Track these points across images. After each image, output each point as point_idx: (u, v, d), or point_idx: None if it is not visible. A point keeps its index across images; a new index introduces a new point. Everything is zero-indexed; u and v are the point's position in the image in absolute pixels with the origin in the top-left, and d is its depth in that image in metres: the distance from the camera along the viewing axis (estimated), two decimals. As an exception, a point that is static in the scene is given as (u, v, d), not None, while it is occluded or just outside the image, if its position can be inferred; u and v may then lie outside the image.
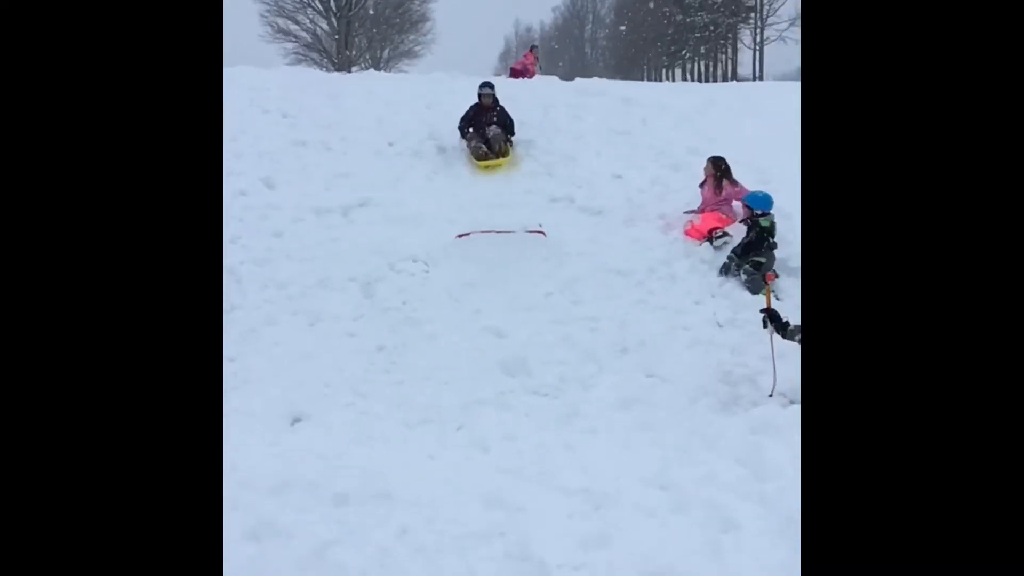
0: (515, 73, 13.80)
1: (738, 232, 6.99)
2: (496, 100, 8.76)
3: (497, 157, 8.36)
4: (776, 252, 6.68)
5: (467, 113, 8.68)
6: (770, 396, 4.72)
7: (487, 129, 8.49)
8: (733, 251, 6.63)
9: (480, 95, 8.75)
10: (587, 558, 2.80)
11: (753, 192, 6.98)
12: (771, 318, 4.83)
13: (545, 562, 2.77)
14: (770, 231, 6.66)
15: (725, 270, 6.63)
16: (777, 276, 6.37)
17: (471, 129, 8.58)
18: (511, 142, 8.72)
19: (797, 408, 4.22)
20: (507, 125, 8.70)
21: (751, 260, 6.52)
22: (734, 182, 7.59)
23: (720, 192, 7.48)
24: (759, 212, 6.72)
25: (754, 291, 6.33)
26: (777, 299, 6.28)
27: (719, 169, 7.57)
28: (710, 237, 7.03)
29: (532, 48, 15.70)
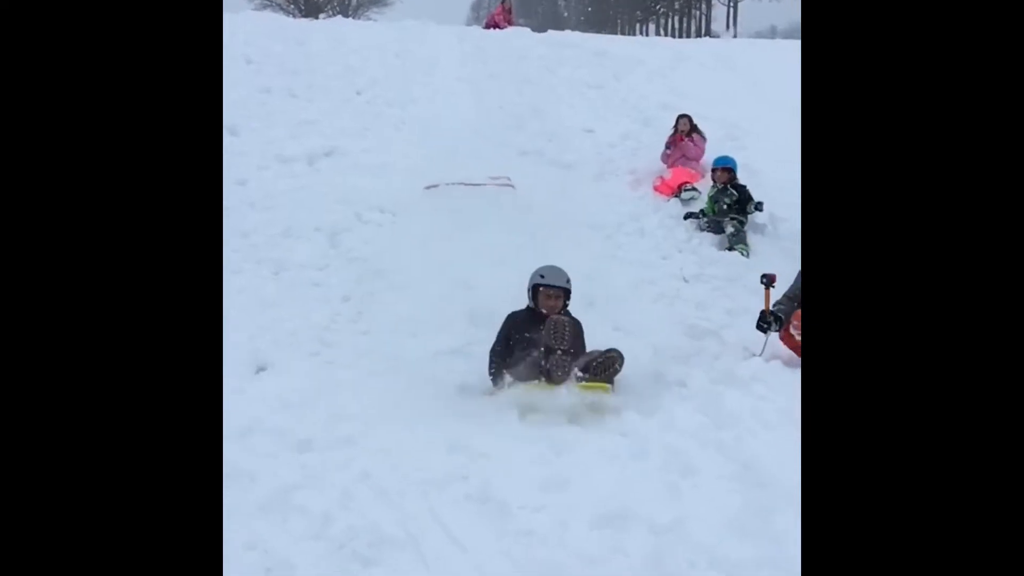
0: (488, 26, 13.57)
1: (706, 187, 7.06)
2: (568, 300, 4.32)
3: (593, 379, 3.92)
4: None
5: (504, 332, 4.26)
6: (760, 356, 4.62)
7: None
8: (731, 214, 6.66)
9: (540, 292, 4.27)
10: (547, 500, 2.86)
11: (728, 156, 7.11)
12: (776, 320, 4.62)
13: (506, 504, 2.83)
14: None
15: (721, 229, 6.64)
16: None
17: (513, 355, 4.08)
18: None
19: (757, 360, 4.30)
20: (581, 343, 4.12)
21: (737, 218, 6.60)
22: (703, 137, 7.71)
23: (694, 147, 7.58)
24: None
25: (732, 245, 6.41)
26: (744, 256, 6.38)
27: (693, 125, 7.69)
28: (679, 192, 7.11)
29: (503, 2, 15.25)
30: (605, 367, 3.92)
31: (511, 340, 4.14)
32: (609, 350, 3.98)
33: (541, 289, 4.27)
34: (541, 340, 3.97)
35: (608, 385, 3.91)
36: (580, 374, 3.88)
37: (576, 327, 4.19)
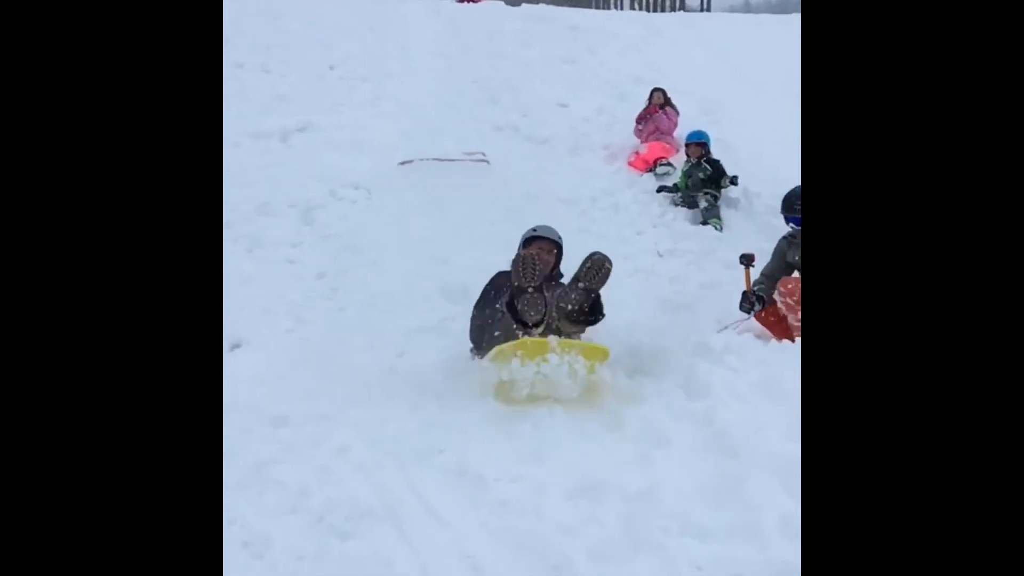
0: (461, 0, 13.43)
1: (681, 162, 7.10)
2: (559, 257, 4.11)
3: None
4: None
5: (488, 291, 3.99)
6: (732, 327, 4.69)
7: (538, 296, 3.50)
8: (705, 188, 6.71)
9: (531, 245, 4.01)
10: (523, 472, 2.89)
11: (702, 130, 7.15)
12: (759, 300, 4.69)
13: (483, 476, 2.85)
14: None
15: (695, 203, 6.70)
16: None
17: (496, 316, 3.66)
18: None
19: (729, 332, 4.37)
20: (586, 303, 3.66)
21: (711, 193, 6.66)
22: (676, 111, 7.75)
23: (667, 120, 7.62)
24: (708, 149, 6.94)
25: (706, 219, 6.44)
26: (718, 230, 6.45)
27: (667, 98, 7.73)
28: (653, 166, 7.14)
29: None
30: (595, 271, 3.56)
31: (494, 299, 3.78)
32: (591, 254, 3.61)
33: (533, 242, 4.01)
34: (510, 284, 3.46)
35: (607, 349, 3.56)
36: (571, 307, 3.50)
37: (553, 266, 3.94)
